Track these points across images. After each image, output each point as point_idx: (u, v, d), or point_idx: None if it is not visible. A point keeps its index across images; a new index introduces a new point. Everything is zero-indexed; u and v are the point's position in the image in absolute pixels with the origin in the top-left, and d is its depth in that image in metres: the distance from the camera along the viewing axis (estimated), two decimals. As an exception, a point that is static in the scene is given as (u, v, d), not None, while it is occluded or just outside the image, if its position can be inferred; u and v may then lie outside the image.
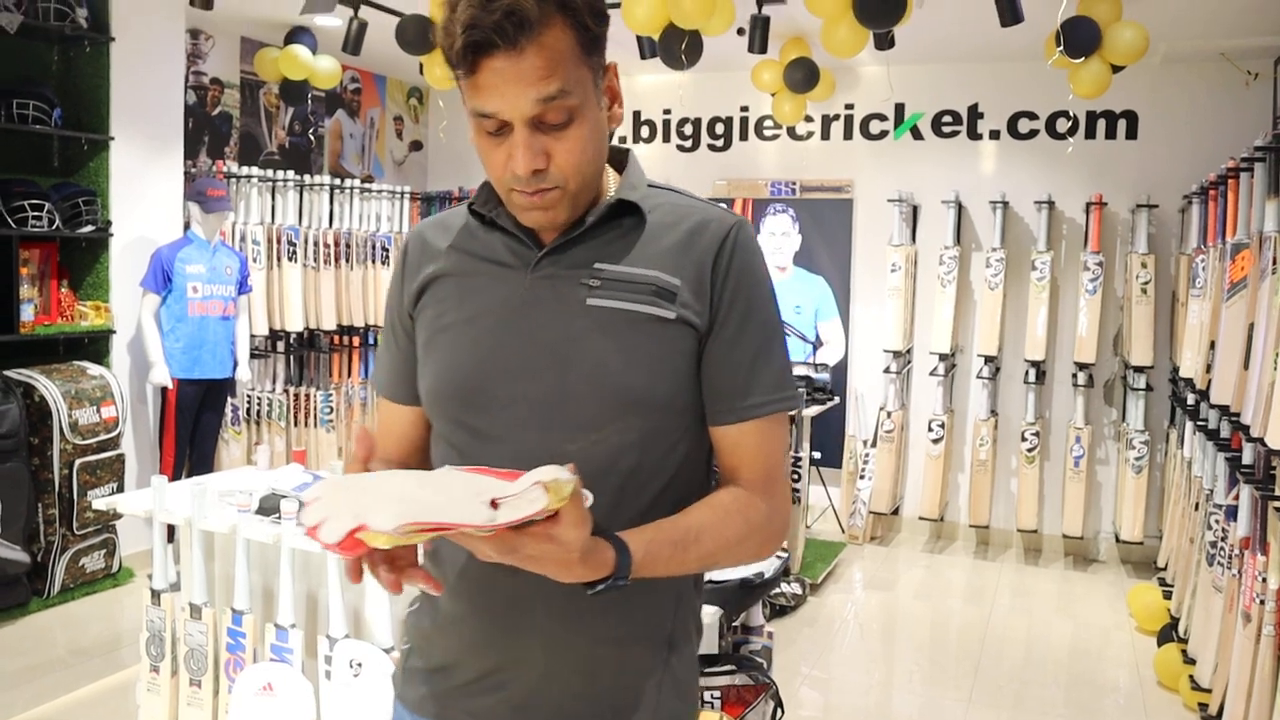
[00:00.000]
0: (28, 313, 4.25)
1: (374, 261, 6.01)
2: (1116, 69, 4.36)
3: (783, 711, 1.97)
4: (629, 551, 0.98)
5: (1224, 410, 3.24)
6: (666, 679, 1.15)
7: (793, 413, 1.17)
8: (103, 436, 4.30)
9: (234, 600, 2.36)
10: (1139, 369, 5.11)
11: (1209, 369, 3.64)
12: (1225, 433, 3.47)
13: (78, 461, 4.22)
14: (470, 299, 1.14)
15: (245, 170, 5.30)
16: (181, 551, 2.51)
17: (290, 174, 5.53)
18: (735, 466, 1.13)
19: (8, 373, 4.11)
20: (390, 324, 1.24)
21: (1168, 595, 4.28)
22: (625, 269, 1.10)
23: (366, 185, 6.11)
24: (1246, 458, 3.10)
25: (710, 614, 2.00)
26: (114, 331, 4.57)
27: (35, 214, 4.16)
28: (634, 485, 1.09)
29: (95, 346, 4.56)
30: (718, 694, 1.92)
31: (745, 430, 1.12)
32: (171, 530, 2.64)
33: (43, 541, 4.18)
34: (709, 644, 2.01)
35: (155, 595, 2.47)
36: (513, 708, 1.12)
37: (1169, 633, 3.93)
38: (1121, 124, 5.37)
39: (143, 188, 4.72)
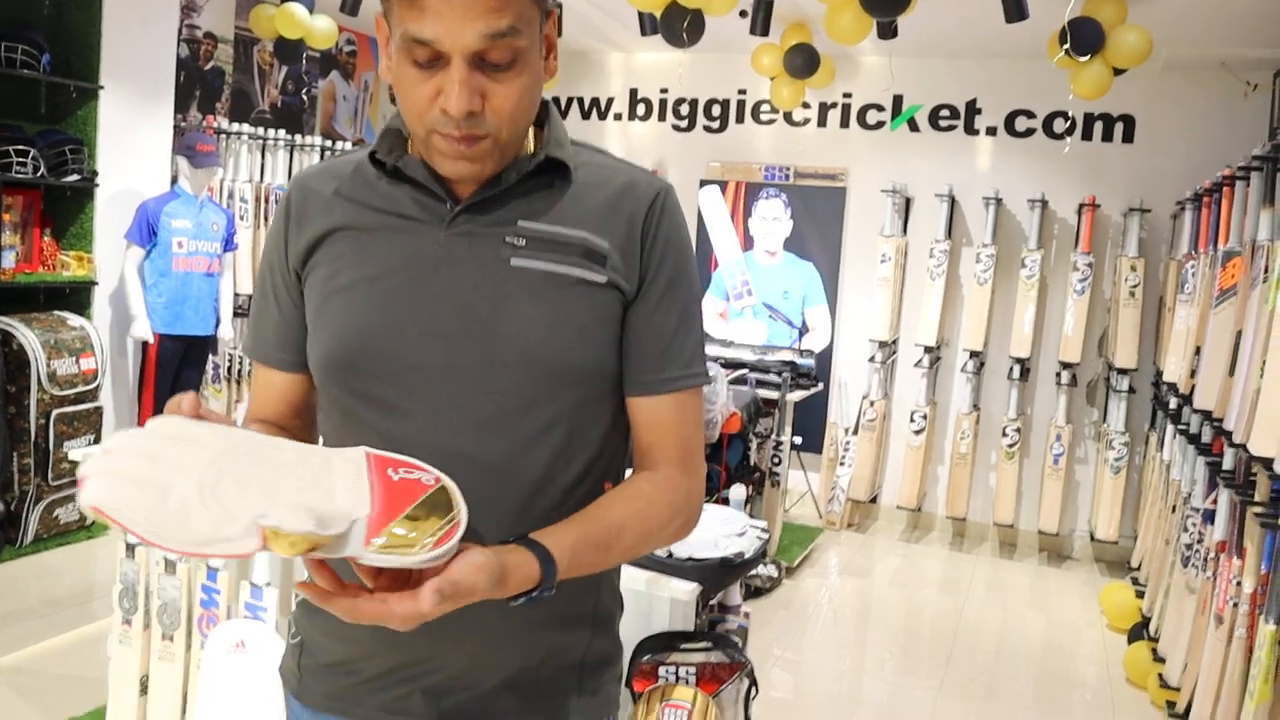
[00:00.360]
0: (8, 260, 4.19)
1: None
2: (1118, 72, 4.36)
3: (757, 690, 1.97)
4: (554, 561, 0.92)
5: (1206, 415, 3.26)
6: (590, 657, 1.11)
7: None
8: (81, 388, 4.26)
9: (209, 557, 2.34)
10: (1123, 371, 5.14)
11: (1193, 374, 3.66)
12: (1206, 437, 3.49)
13: (55, 412, 4.17)
14: (372, 256, 1.03)
15: (236, 127, 5.24)
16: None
17: (281, 133, 5.46)
18: (651, 443, 1.07)
19: (-13, 319, 4.06)
20: (268, 285, 1.11)
21: (1140, 595, 4.32)
22: (552, 228, 1.02)
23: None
24: (1227, 463, 3.12)
25: (688, 591, 1.99)
26: (96, 283, 4.52)
27: (20, 160, 4.09)
28: (562, 460, 1.02)
29: (76, 297, 4.51)
30: (693, 670, 1.92)
31: (664, 403, 1.06)
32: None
33: (16, 491, 4.14)
34: (685, 621, 2.00)
35: (129, 548, 2.45)
36: (431, 697, 1.05)
37: (1140, 631, 3.97)
38: (1119, 127, 5.38)
39: (131, 139, 4.65)
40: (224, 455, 0.85)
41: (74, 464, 4.20)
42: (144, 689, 2.45)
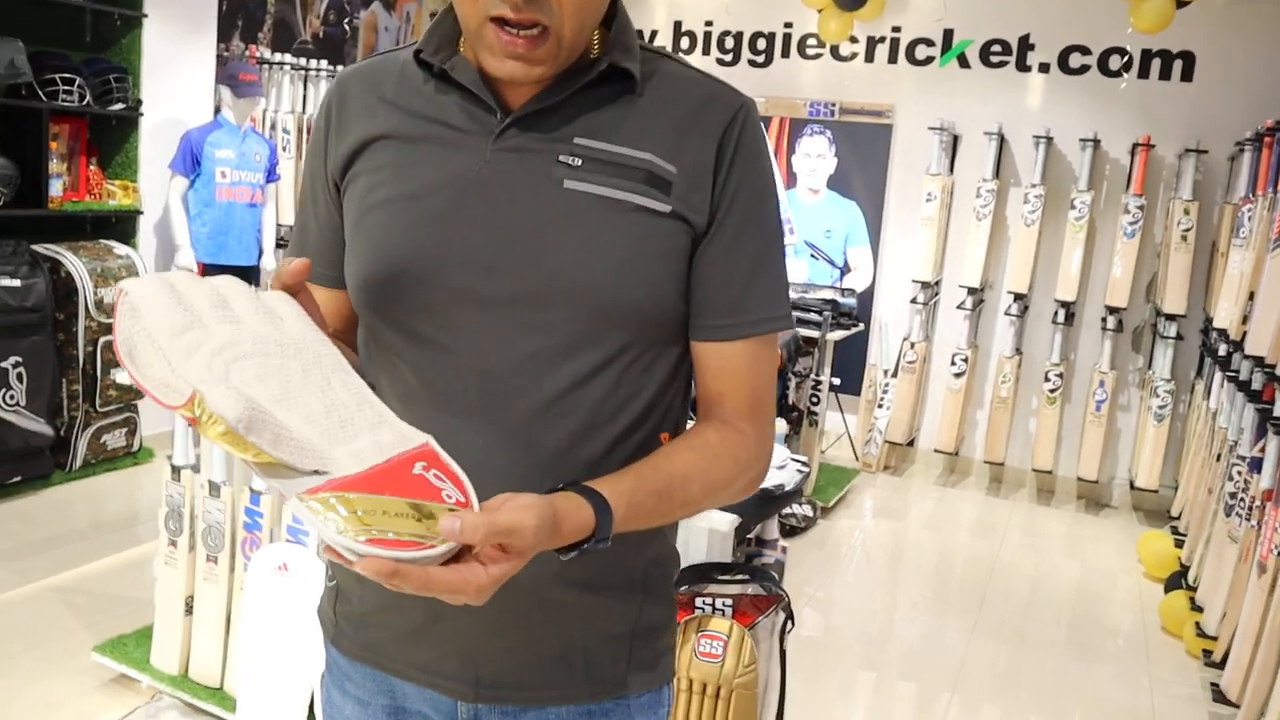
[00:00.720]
0: (56, 188, 4.23)
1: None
2: (1181, 4, 4.20)
3: (793, 624, 1.97)
4: (610, 510, 0.83)
5: (1259, 362, 3.19)
6: (643, 624, 1.02)
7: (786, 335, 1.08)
8: (127, 316, 4.31)
9: (251, 480, 2.38)
10: (1171, 317, 5.03)
11: (1245, 320, 3.57)
12: (1257, 384, 3.42)
13: (102, 340, 4.24)
14: (413, 170, 0.93)
15: (278, 57, 5.22)
16: (203, 430, 2.52)
17: (323, 64, 5.43)
18: (721, 392, 0.97)
19: (35, 247, 4.11)
20: (309, 193, 1.03)
21: (1179, 544, 4.28)
22: (613, 148, 0.91)
23: (399, 81, 6.00)
24: (1278, 410, 3.05)
25: (727, 522, 1.99)
26: (141, 212, 4.55)
27: (66, 88, 4.10)
28: (610, 407, 0.93)
29: (122, 226, 4.55)
30: (729, 602, 1.93)
31: (735, 350, 0.96)
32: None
33: (65, 416, 4.23)
34: (723, 552, 2.01)
35: (175, 471, 2.49)
36: (469, 661, 0.97)
37: (1177, 580, 3.94)
38: (1177, 64, 5.19)
39: (175, 68, 4.65)
40: (267, 343, 0.77)
41: (121, 391, 4.28)
42: (189, 609, 2.52)
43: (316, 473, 0.71)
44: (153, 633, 2.60)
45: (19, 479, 4.01)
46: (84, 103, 4.17)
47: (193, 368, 0.72)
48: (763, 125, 0.99)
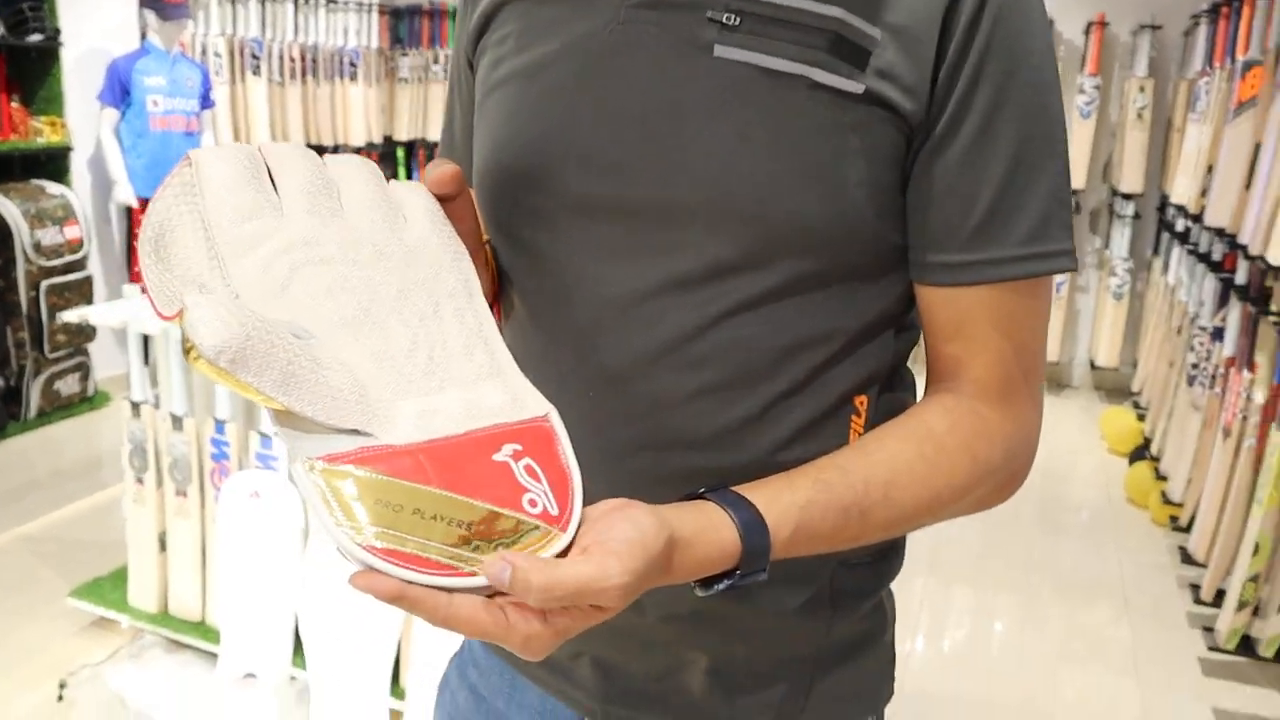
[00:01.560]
0: (-22, 127, 4.04)
1: (341, 77, 5.74)
2: None
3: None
4: (765, 530, 0.60)
5: (1219, 233, 3.20)
6: (830, 647, 0.76)
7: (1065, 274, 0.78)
8: (68, 258, 4.17)
9: (215, 410, 2.32)
10: (1128, 196, 5.04)
11: (1204, 193, 3.58)
12: (1218, 255, 3.45)
13: (44, 283, 4.09)
14: (538, 39, 0.72)
15: (201, -23, 4.98)
16: (159, 362, 2.45)
17: (250, -18, 5.20)
18: (956, 358, 0.70)
19: (-38, 190, 3.94)
20: (453, 77, 0.85)
21: (1141, 418, 4.36)
22: (785, 0, 0.65)
23: (331, -3, 5.78)
24: (1240, 278, 3.08)
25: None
26: (72, 149, 4.36)
27: (-23, 18, 3.89)
28: (762, 360, 0.67)
29: (53, 164, 4.36)
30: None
31: (979, 300, 0.67)
32: (147, 347, 2.57)
33: (14, 365, 4.10)
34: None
35: (135, 407, 2.42)
36: (601, 670, 0.78)
37: (1141, 453, 4.02)
38: (1127, -62, 5.11)
39: (92, -8, 4.42)
40: (362, 246, 0.59)
41: (70, 336, 4.16)
42: (162, 546, 2.47)
43: (356, 433, 0.51)
44: (127, 573, 2.56)
45: (-28, 431, 3.90)
46: (-2, 34, 3.96)
47: (244, 268, 0.55)
48: None
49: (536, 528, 0.52)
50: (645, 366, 0.68)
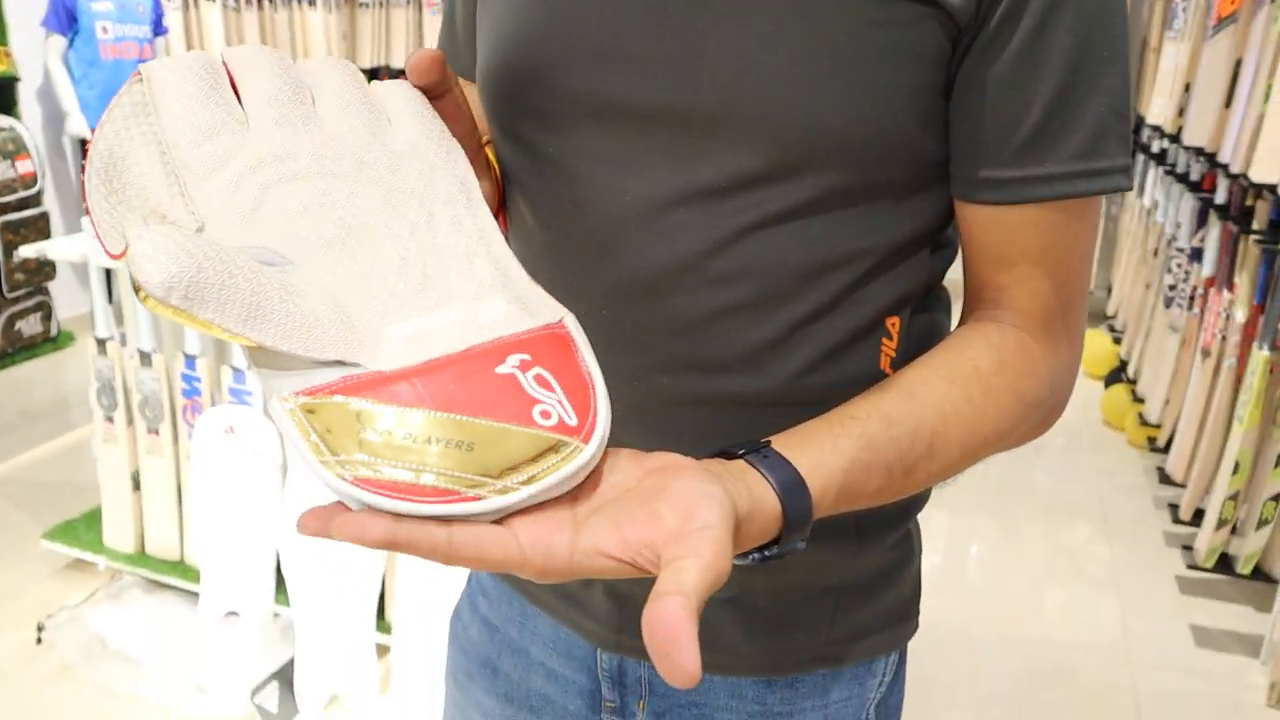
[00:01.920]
0: (-81, 56, 3.86)
1: (299, 2, 5.54)
2: None
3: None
4: (809, 502, 0.53)
5: (1198, 152, 3.17)
6: (852, 578, 0.73)
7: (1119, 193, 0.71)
8: (21, 193, 4.02)
9: (184, 345, 2.25)
10: (1103, 119, 5.00)
11: (1181, 113, 3.55)
12: (1196, 175, 3.43)
13: (-1, 220, 3.96)
14: None
15: (148, -104, 4.74)
16: (124, 299, 2.37)
17: (200, -98, 4.97)
18: (1001, 285, 0.64)
19: (-94, 123, 3.77)
20: None
21: (1117, 341, 4.38)
22: None
23: (286, -82, 5.55)
24: (1220, 197, 3.06)
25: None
26: (18, 79, 4.19)
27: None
28: (788, 278, 0.62)
29: (0, 96, 4.19)
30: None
31: (1029, 220, 0.62)
32: (110, 282, 2.48)
33: (-29, 305, 3.98)
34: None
35: (100, 344, 2.35)
36: (615, 599, 0.75)
37: (1117, 375, 4.04)
38: None
39: (32, -88, 4.20)
40: (342, 157, 0.52)
41: (28, 275, 4.03)
42: (136, 485, 2.42)
43: (340, 364, 0.46)
44: (101, 514, 2.50)
45: (-69, 374, 3.80)
46: (-65, -43, 3.76)
47: (209, 193, 0.50)
48: None
49: (554, 444, 0.46)
50: (662, 283, 0.63)
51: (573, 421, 0.47)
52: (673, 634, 0.40)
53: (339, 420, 0.44)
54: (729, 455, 0.54)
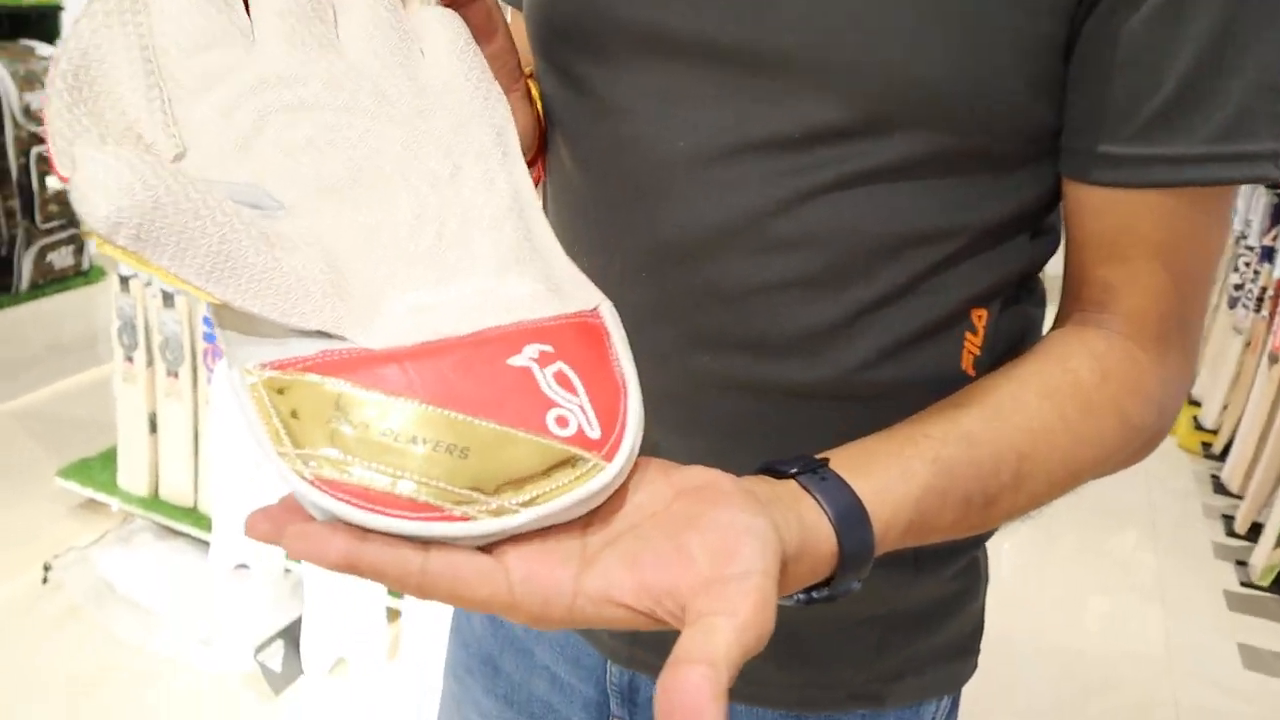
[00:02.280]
0: (-37, -22, 3.80)
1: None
2: None
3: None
4: (871, 540, 0.44)
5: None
6: (905, 608, 0.63)
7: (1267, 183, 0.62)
8: (60, 124, 3.98)
9: (209, 289, 2.18)
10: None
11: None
12: (1274, 170, 3.26)
13: (34, 150, 3.90)
14: None
15: None
16: (149, 235, 2.29)
17: None
18: (1111, 284, 0.54)
19: (-53, 46, 3.72)
20: None
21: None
22: None
23: None
24: (1299, 194, 2.91)
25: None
26: (62, 8, 4.13)
27: None
28: (860, 250, 0.53)
29: (44, 24, 4.14)
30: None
31: (1150, 208, 0.51)
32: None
33: (4, 235, 3.94)
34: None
35: (123, 281, 2.28)
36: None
37: (1171, 377, 3.90)
38: None
39: None
40: (359, 90, 0.43)
41: (63, 206, 3.99)
42: (153, 427, 2.36)
43: (322, 335, 0.37)
44: (116, 454, 2.45)
45: (-39, 302, 3.78)
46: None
47: (197, 113, 0.41)
48: None
49: (568, 458, 0.36)
50: (711, 244, 0.54)
51: (595, 433, 0.37)
52: (692, 716, 0.31)
53: (311, 404, 0.35)
54: (777, 473, 0.44)
